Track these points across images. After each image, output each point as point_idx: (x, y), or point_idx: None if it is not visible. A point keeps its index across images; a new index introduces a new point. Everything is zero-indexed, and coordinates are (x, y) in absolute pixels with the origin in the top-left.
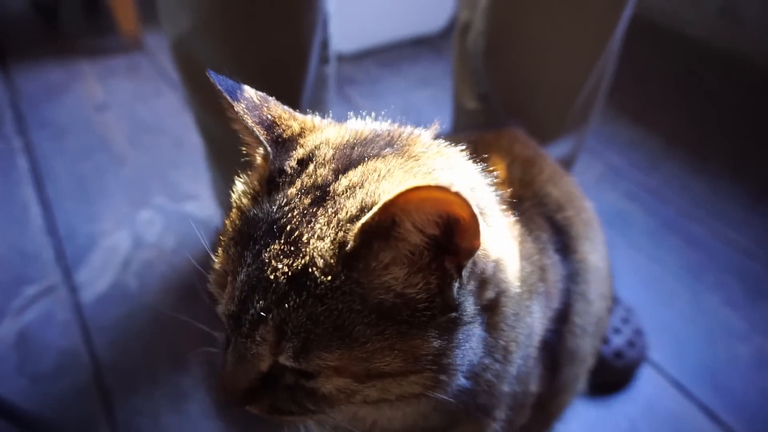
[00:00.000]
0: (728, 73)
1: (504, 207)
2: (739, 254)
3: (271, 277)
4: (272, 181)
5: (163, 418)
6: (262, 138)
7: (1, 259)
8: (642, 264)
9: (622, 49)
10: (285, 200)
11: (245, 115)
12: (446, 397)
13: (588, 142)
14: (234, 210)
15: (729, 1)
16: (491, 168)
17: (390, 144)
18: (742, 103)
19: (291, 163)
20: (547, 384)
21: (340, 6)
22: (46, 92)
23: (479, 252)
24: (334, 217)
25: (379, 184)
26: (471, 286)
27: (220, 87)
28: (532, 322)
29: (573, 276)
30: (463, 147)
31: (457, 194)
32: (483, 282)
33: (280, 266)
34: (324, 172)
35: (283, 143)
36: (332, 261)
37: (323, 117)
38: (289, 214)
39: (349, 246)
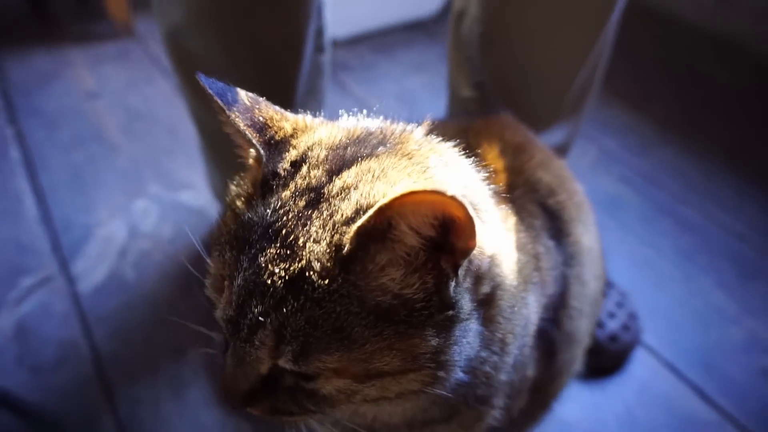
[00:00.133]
0: (722, 57)
1: (497, 199)
2: (731, 237)
3: (269, 281)
4: (266, 184)
5: (164, 406)
6: (254, 141)
7: None
8: (635, 247)
9: (617, 34)
10: (279, 203)
11: (237, 119)
12: (445, 393)
13: (582, 127)
14: (228, 213)
15: None
16: (483, 160)
17: (383, 142)
18: (735, 87)
19: (284, 165)
20: (545, 368)
21: None
22: (36, 80)
23: (475, 250)
24: (330, 219)
25: (374, 185)
26: (467, 283)
27: (210, 90)
28: (528, 313)
29: (568, 260)
30: (456, 142)
31: (453, 197)
32: (478, 278)
33: (277, 270)
34: (318, 174)
35: (276, 145)
36: (329, 264)
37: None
38: (284, 218)
39: (345, 249)
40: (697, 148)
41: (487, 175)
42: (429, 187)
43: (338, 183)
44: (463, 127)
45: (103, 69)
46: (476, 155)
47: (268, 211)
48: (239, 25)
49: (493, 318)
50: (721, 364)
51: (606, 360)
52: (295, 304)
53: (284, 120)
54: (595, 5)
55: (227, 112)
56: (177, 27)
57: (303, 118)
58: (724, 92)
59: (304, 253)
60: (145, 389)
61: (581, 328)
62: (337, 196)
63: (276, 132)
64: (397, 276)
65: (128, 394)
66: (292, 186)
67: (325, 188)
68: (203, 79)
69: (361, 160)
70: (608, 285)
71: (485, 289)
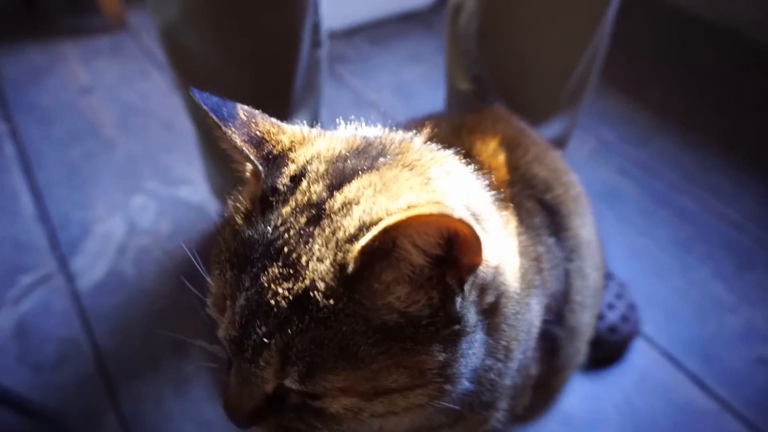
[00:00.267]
0: (718, 45)
1: (498, 205)
2: (728, 227)
3: (272, 301)
4: (265, 200)
5: (167, 403)
6: (252, 157)
7: None
8: (634, 238)
9: (614, 23)
10: (280, 220)
11: (233, 135)
12: (451, 405)
13: (579, 118)
14: (227, 229)
15: None
16: (478, 158)
17: (382, 153)
18: (731, 75)
19: (283, 181)
20: (548, 365)
21: None
22: (29, 75)
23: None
24: (332, 237)
25: (376, 200)
26: (472, 296)
27: (205, 106)
28: (531, 318)
29: (568, 255)
30: (457, 150)
31: (460, 220)
32: (483, 289)
33: (280, 290)
34: (318, 189)
35: (274, 159)
36: (333, 284)
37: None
38: (285, 235)
39: (350, 268)
40: (694, 137)
41: (487, 182)
42: (435, 209)
43: (339, 198)
44: (456, 124)
45: (97, 63)
46: (473, 158)
47: (268, 228)
48: (235, 21)
49: (498, 326)
50: (719, 354)
51: (605, 351)
52: (300, 325)
53: (281, 133)
54: None
55: (223, 128)
56: (173, 24)
57: (300, 130)
58: (721, 81)
59: (307, 272)
60: (147, 386)
61: (584, 321)
62: (339, 212)
63: (274, 146)
64: (403, 294)
65: (130, 390)
66: (292, 202)
67: (326, 204)
68: (197, 94)
69: (362, 173)
70: (607, 276)
71: (490, 298)
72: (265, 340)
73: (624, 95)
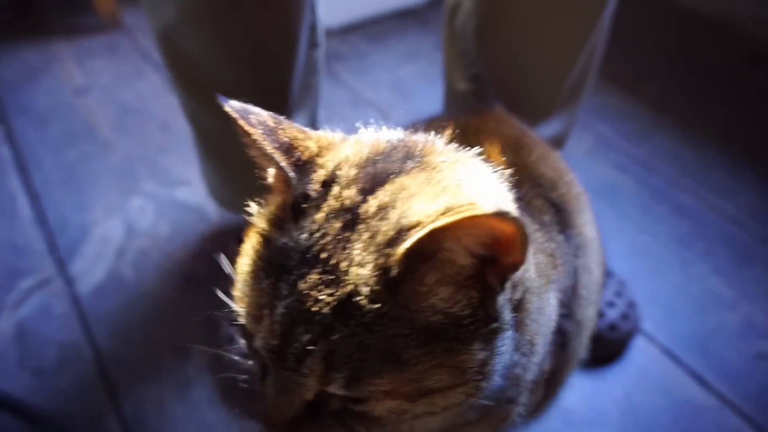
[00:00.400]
0: (716, 40)
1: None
2: (727, 223)
3: (314, 308)
4: (297, 207)
5: (169, 406)
6: (283, 164)
7: None
8: (633, 235)
9: (612, 19)
10: (315, 226)
11: (264, 141)
12: (485, 401)
13: (577, 114)
14: (256, 238)
15: None
16: (488, 160)
17: (409, 156)
18: (729, 70)
19: (314, 187)
20: (558, 358)
21: None
22: (23, 76)
23: None
24: (371, 241)
25: (411, 203)
26: (508, 293)
27: (235, 114)
28: (551, 312)
29: (575, 251)
30: (479, 150)
31: (515, 219)
32: (514, 286)
33: (322, 297)
34: (351, 194)
35: (303, 165)
36: (377, 288)
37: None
38: (321, 241)
39: (393, 271)
40: (692, 132)
41: (509, 182)
42: (491, 210)
43: (373, 203)
44: (462, 125)
45: (92, 63)
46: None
47: (303, 235)
48: (233, 23)
49: (523, 321)
50: (719, 350)
51: (606, 348)
52: (345, 330)
53: (308, 139)
54: None
55: (253, 135)
56: (170, 26)
57: (325, 136)
58: (719, 76)
59: (349, 277)
60: (149, 389)
61: (589, 316)
62: (375, 216)
63: (302, 152)
64: (446, 294)
65: (132, 394)
66: (325, 207)
67: (361, 208)
68: (223, 101)
69: (393, 176)
70: (607, 274)
71: (518, 295)
72: (309, 347)
73: (622, 91)
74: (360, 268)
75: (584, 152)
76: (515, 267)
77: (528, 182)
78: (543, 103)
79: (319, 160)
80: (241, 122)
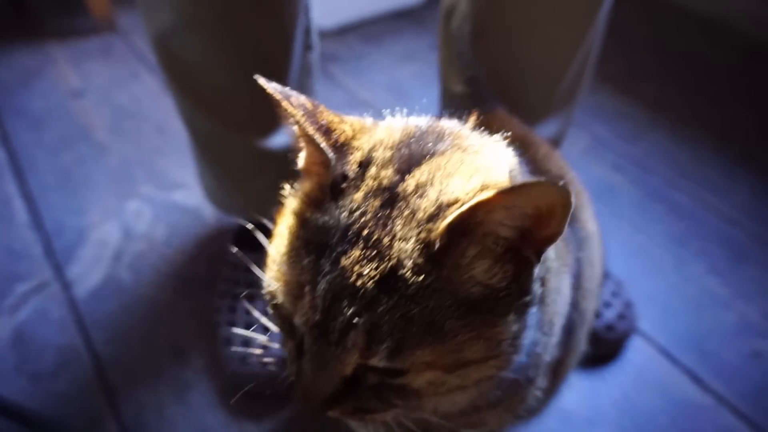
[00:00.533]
0: (711, 38)
1: None
2: (722, 222)
3: (358, 282)
4: (336, 187)
5: (168, 409)
6: (323, 145)
7: None
8: (629, 234)
9: (608, 19)
10: (354, 205)
11: (305, 123)
12: (512, 375)
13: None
14: (292, 219)
15: None
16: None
17: (440, 139)
18: (725, 69)
19: (352, 167)
20: (563, 347)
21: None
22: (18, 79)
23: None
24: (412, 217)
25: (449, 181)
26: (538, 269)
27: (278, 96)
28: (566, 295)
29: (579, 244)
30: (502, 134)
31: (560, 188)
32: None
33: (365, 271)
34: (388, 174)
35: (340, 147)
36: (420, 261)
37: None
38: (362, 219)
39: (436, 245)
40: (688, 132)
41: (529, 165)
42: (533, 180)
43: (411, 182)
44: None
45: (87, 66)
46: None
47: (343, 213)
48: (228, 27)
49: (545, 300)
50: (715, 349)
51: (603, 349)
52: (389, 303)
53: (343, 122)
54: None
55: (295, 116)
56: (166, 32)
57: (358, 120)
58: (714, 74)
59: (392, 252)
60: (148, 393)
61: (590, 308)
62: (413, 194)
63: (339, 135)
64: (485, 267)
65: (131, 398)
66: (363, 187)
67: (399, 187)
68: (265, 83)
69: (429, 157)
70: (604, 275)
71: (541, 272)
72: (353, 320)
73: (618, 91)
74: (403, 242)
75: (581, 152)
76: (553, 239)
77: (538, 177)
78: (539, 105)
79: (355, 143)
80: (284, 103)
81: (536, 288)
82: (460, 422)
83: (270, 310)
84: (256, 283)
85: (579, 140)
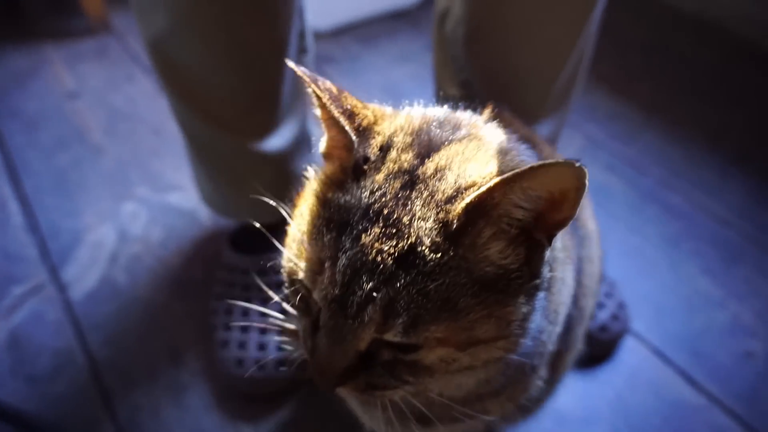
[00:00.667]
0: (704, 39)
1: None
2: (715, 222)
3: (378, 259)
4: (358, 169)
5: (164, 412)
6: (347, 127)
7: None
8: (623, 235)
9: (601, 19)
10: (375, 186)
11: (331, 105)
12: (519, 358)
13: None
14: (313, 200)
15: None
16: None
17: (458, 128)
18: (717, 69)
19: (373, 150)
20: (562, 342)
21: None
22: (12, 80)
23: None
24: (431, 199)
25: (467, 166)
26: (549, 253)
27: (307, 78)
28: (569, 286)
29: (580, 242)
30: (512, 128)
31: (577, 168)
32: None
33: (385, 248)
34: (408, 158)
35: (363, 131)
36: (438, 239)
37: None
38: (383, 199)
39: (454, 224)
40: (681, 132)
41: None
42: (554, 160)
43: (431, 165)
44: None
45: (82, 67)
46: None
47: (365, 193)
48: (224, 32)
49: (551, 288)
50: (708, 349)
51: (597, 349)
52: (407, 278)
53: (366, 108)
54: (578, 2)
55: (322, 99)
56: (161, 36)
57: (380, 108)
58: (707, 75)
59: (411, 230)
60: (144, 395)
61: (589, 305)
62: (433, 177)
63: (362, 119)
64: (500, 248)
65: (127, 400)
66: (384, 169)
67: (419, 170)
68: (293, 66)
69: (447, 144)
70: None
71: (550, 259)
72: (374, 294)
73: (612, 91)
74: (422, 221)
75: (575, 153)
76: (564, 223)
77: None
78: (533, 107)
79: (377, 128)
80: (312, 86)
81: (545, 272)
82: (464, 410)
83: (286, 289)
84: (252, 285)
85: (573, 141)
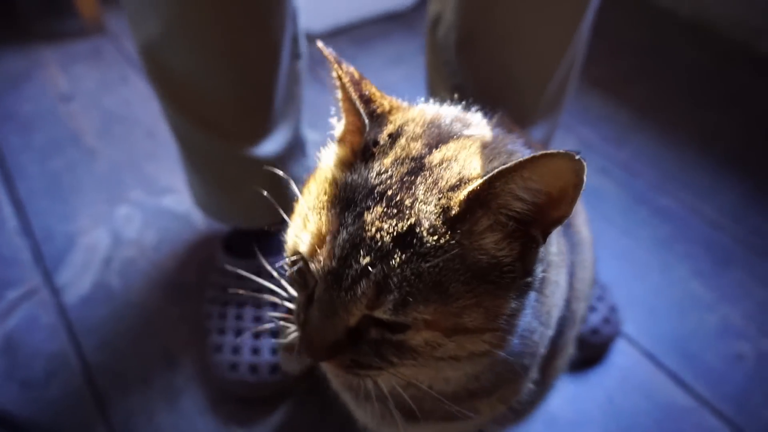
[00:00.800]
0: (696, 41)
1: None
2: (705, 225)
3: (377, 236)
4: (367, 151)
5: (158, 416)
6: (362, 111)
7: None
8: (615, 238)
9: (594, 21)
10: (382, 168)
11: (350, 87)
12: (507, 356)
13: (561, 117)
14: (322, 178)
15: None
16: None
17: (467, 126)
18: (709, 71)
19: (383, 136)
20: (553, 345)
21: None
22: (6, 82)
23: None
24: (434, 185)
25: (472, 160)
26: (543, 252)
27: (331, 58)
28: (563, 290)
29: (573, 247)
30: (517, 134)
31: (576, 160)
32: (544, 246)
33: (385, 226)
34: (417, 146)
35: (377, 118)
36: (437, 223)
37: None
38: (388, 181)
39: (454, 211)
40: (674, 135)
41: None
42: (555, 150)
43: (438, 155)
44: None
45: (76, 69)
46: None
47: (371, 174)
48: (217, 37)
49: (544, 290)
50: (698, 352)
51: (588, 352)
52: (403, 257)
53: (383, 98)
54: (569, 6)
55: (343, 80)
56: (153, 41)
57: (396, 100)
58: (700, 77)
59: (412, 212)
60: (138, 399)
61: (580, 309)
62: (438, 166)
63: (378, 106)
64: (495, 239)
65: (121, 404)
66: (392, 154)
67: (426, 159)
68: (323, 46)
69: (456, 138)
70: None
71: (544, 260)
72: (370, 269)
73: (605, 94)
74: (423, 205)
75: None
76: (560, 220)
77: None
78: (525, 112)
79: (391, 117)
80: (335, 66)
81: (538, 272)
82: (454, 406)
83: (286, 263)
84: (245, 289)
85: (566, 143)
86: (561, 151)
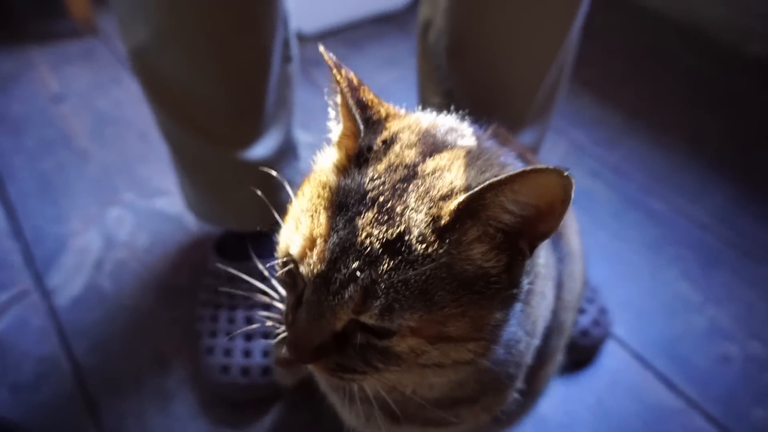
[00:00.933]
0: (686, 44)
1: None
2: (694, 227)
3: (367, 241)
4: (361, 157)
5: (150, 420)
6: (357, 116)
7: None
8: (605, 240)
9: (585, 24)
10: (375, 174)
11: (348, 93)
12: (490, 365)
13: (552, 120)
14: (316, 182)
15: None
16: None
17: (462, 137)
18: (699, 74)
19: (378, 142)
20: (539, 354)
21: None
22: None
23: None
24: (426, 194)
25: (464, 171)
26: (530, 265)
27: (331, 63)
28: (549, 301)
29: (562, 258)
30: (511, 146)
31: (565, 175)
32: (532, 258)
33: (375, 232)
34: (411, 154)
35: (373, 124)
36: (427, 231)
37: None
38: (381, 187)
39: (444, 220)
40: (664, 137)
41: None
42: (544, 165)
43: (431, 164)
44: None
45: (67, 70)
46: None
47: (365, 179)
48: (207, 42)
49: (530, 301)
50: (686, 353)
51: (578, 354)
52: (391, 264)
53: (380, 105)
54: (559, 12)
55: (341, 84)
56: (143, 46)
57: (393, 107)
58: (690, 80)
59: (403, 219)
60: (129, 403)
61: (568, 320)
62: (431, 174)
63: (374, 113)
64: (483, 250)
65: (112, 408)
66: (385, 161)
67: (419, 167)
68: (323, 50)
69: (450, 148)
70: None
71: (531, 272)
72: (358, 274)
73: (596, 96)
74: (414, 213)
75: (559, 158)
76: (548, 234)
77: None
78: (516, 116)
79: (387, 124)
80: (335, 71)
81: (524, 284)
82: (437, 412)
83: (278, 265)
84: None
85: (557, 146)
86: (551, 166)
